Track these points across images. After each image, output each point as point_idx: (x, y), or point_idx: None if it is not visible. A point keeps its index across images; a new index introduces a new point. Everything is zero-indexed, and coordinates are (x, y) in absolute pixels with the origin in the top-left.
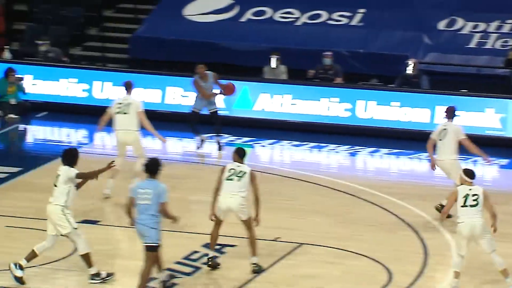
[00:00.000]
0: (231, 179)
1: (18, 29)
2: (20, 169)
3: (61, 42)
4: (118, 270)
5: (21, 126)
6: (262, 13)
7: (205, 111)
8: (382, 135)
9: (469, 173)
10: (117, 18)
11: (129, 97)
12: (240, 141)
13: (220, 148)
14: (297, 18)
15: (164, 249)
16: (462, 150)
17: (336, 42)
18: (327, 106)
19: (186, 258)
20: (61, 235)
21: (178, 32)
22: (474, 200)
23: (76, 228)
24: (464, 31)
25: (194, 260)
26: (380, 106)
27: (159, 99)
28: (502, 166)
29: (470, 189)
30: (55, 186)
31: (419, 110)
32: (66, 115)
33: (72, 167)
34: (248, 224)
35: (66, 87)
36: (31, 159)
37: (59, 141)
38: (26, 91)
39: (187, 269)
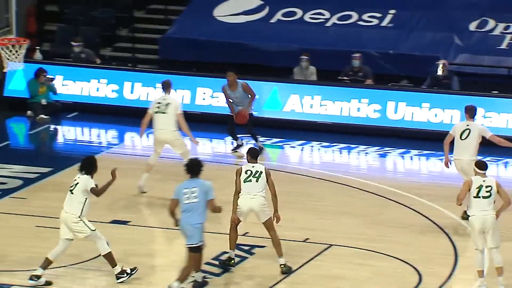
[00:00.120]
0: (249, 181)
1: (49, 30)
2: (50, 169)
3: (92, 43)
4: (145, 267)
5: (52, 127)
6: (292, 14)
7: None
8: (412, 136)
9: (482, 165)
10: (147, 19)
11: (168, 96)
12: (270, 142)
13: (261, 151)
14: (327, 19)
15: None
16: (489, 151)
17: (366, 43)
18: (357, 107)
19: (215, 258)
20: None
21: (208, 33)
22: (487, 191)
23: (94, 230)
24: (496, 32)
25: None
26: (410, 107)
27: (188, 100)
28: None
29: (484, 180)
30: (71, 193)
31: (450, 112)
32: (97, 116)
33: (92, 176)
34: (269, 225)
35: (97, 87)
36: (62, 159)
37: (89, 142)
38: (57, 91)
39: (216, 270)
